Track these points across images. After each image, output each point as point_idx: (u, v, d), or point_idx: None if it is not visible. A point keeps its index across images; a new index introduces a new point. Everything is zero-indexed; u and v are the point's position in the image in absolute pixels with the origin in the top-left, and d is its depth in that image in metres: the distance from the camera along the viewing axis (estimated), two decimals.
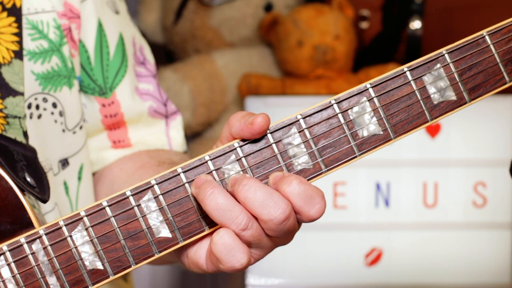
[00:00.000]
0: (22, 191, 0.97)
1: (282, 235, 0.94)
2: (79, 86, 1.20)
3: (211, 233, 0.96)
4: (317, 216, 0.93)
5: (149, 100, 1.26)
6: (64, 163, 1.17)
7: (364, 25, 2.68)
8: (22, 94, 1.10)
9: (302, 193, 0.92)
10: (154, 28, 2.80)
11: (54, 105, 1.15)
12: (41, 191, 1.01)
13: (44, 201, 1.01)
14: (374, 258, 2.37)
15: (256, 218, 0.93)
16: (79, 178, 1.20)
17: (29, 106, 1.12)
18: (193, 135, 2.67)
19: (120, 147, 1.25)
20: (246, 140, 0.95)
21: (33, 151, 1.05)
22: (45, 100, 1.14)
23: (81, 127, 1.19)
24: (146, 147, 1.26)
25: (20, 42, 1.12)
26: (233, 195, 0.93)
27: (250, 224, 0.92)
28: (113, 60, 1.22)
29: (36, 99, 1.13)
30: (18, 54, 1.11)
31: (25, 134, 1.10)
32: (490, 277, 2.37)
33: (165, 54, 2.89)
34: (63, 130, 1.16)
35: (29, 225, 0.96)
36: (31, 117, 1.12)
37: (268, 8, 2.69)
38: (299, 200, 0.92)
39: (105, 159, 1.25)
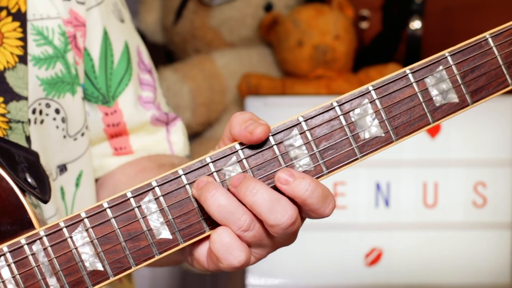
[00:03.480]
0: (23, 191, 0.97)
1: (286, 237, 0.94)
2: (83, 94, 1.20)
3: None
4: (330, 214, 0.94)
5: (151, 109, 1.26)
6: (62, 168, 1.17)
7: (364, 25, 2.68)
8: (26, 98, 1.10)
9: (321, 195, 0.92)
10: (154, 28, 2.79)
11: (57, 111, 1.15)
12: (42, 192, 1.01)
13: (45, 201, 1.01)
14: (374, 258, 2.37)
15: (258, 219, 0.93)
16: (77, 185, 1.19)
17: (34, 111, 1.12)
18: (193, 135, 2.67)
19: (122, 154, 1.25)
20: None
21: (35, 155, 1.05)
22: (48, 105, 1.14)
23: (82, 134, 1.19)
24: (147, 153, 1.26)
25: (24, 47, 1.12)
26: (237, 196, 0.93)
27: (252, 225, 0.93)
28: (116, 68, 1.22)
29: (39, 104, 1.13)
30: (23, 59, 1.11)
31: (28, 139, 1.10)
32: (490, 277, 2.37)
33: (165, 54, 2.89)
34: (64, 136, 1.16)
35: (29, 226, 0.96)
36: (35, 122, 1.12)
37: (268, 8, 2.69)
38: (317, 202, 0.92)
39: (107, 166, 1.25)
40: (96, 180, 1.26)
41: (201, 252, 0.98)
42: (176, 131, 1.29)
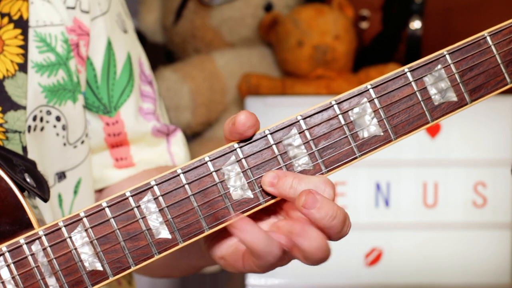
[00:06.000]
0: (22, 192, 0.97)
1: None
2: (84, 103, 1.19)
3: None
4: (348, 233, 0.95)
5: (152, 120, 1.26)
6: (61, 176, 1.17)
7: (364, 25, 2.68)
8: (24, 108, 1.10)
9: (341, 222, 0.93)
10: (154, 28, 2.79)
11: (58, 119, 1.15)
12: (41, 191, 1.01)
13: (45, 200, 1.01)
14: (374, 258, 2.37)
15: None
16: (75, 192, 1.19)
17: (34, 118, 1.12)
18: (193, 135, 2.67)
19: (123, 166, 1.24)
20: (246, 141, 0.95)
21: (32, 163, 1.05)
22: (49, 112, 1.14)
23: (82, 142, 1.18)
24: (149, 166, 1.25)
25: (25, 55, 1.11)
26: (308, 217, 0.92)
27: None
28: (119, 79, 1.22)
29: (41, 111, 1.13)
30: (22, 67, 1.11)
31: (24, 149, 1.10)
32: (490, 277, 2.37)
33: (165, 54, 2.89)
34: (64, 144, 1.16)
35: (28, 226, 0.96)
36: (34, 130, 1.12)
37: (268, 8, 2.69)
38: (337, 228, 0.93)
39: (108, 178, 1.24)
40: (96, 192, 1.25)
41: (235, 257, 0.97)
42: (177, 142, 1.29)
